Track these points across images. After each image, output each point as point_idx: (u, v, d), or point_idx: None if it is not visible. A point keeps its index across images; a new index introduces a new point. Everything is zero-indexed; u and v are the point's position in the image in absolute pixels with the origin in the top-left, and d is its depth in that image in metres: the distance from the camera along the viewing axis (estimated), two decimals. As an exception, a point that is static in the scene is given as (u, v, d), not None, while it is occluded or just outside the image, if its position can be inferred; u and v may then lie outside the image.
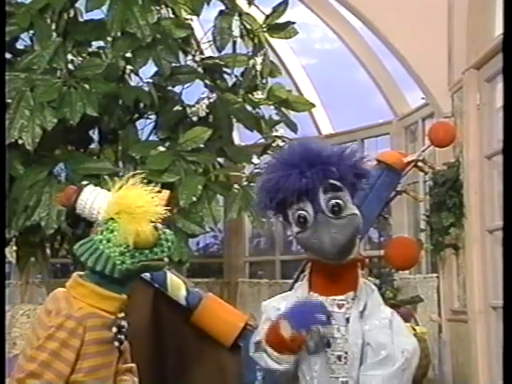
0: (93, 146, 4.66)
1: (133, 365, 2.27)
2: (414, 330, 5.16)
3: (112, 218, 2.14)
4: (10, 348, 3.77)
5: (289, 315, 1.99)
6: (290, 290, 2.93)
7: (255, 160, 4.75)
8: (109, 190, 2.69)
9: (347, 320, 2.06)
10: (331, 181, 2.03)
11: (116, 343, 2.15)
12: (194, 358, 2.65)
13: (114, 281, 2.13)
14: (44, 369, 2.04)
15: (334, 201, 2.02)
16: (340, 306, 2.08)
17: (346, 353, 2.02)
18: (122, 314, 2.19)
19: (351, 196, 2.07)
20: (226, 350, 2.65)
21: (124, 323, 2.19)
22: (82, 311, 2.09)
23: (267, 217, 2.16)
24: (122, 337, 2.17)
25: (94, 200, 2.54)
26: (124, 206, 2.12)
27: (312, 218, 2.03)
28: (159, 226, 2.16)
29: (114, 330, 2.14)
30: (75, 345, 2.06)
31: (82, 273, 2.19)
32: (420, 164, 2.87)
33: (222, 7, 4.84)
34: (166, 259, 2.22)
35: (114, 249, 2.11)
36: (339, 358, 2.03)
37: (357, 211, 2.07)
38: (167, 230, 2.19)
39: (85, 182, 2.70)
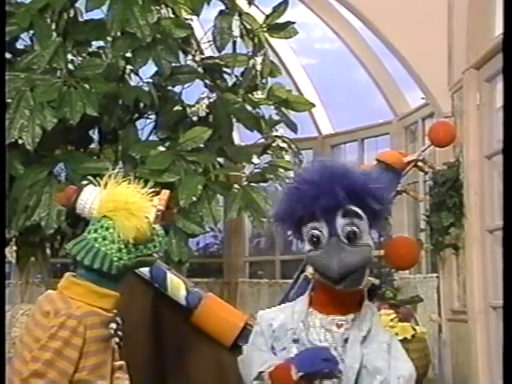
0: (93, 145, 4.66)
1: (123, 362, 2.27)
2: (414, 329, 5.17)
3: (105, 216, 2.15)
4: (9, 348, 3.76)
5: (297, 360, 1.99)
6: (289, 289, 2.94)
7: (255, 160, 4.75)
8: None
9: (345, 340, 2.05)
10: (352, 207, 2.02)
11: (116, 339, 2.17)
12: (194, 358, 2.65)
13: (110, 278, 2.15)
14: (48, 368, 2.05)
15: (350, 228, 2.02)
16: (339, 326, 2.08)
17: (341, 372, 2.02)
18: (115, 311, 2.20)
19: (370, 225, 2.07)
20: (225, 350, 2.65)
21: (118, 319, 2.20)
22: (81, 310, 2.10)
23: (281, 229, 2.15)
24: (120, 333, 2.18)
25: (94, 200, 2.54)
26: (120, 203, 2.14)
27: (325, 240, 2.03)
28: (149, 222, 2.19)
29: (114, 326, 2.15)
30: (77, 343, 2.07)
31: (73, 273, 2.20)
32: (420, 164, 2.86)
33: (222, 7, 4.84)
34: (156, 256, 2.26)
35: (110, 246, 2.13)
36: (332, 381, 2.03)
37: (371, 243, 2.07)
38: (156, 226, 2.22)
39: (85, 182, 2.70)
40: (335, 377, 2.02)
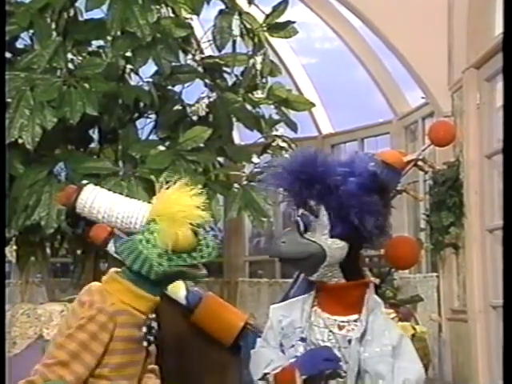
0: (93, 145, 4.66)
1: (155, 366, 2.29)
2: (414, 329, 5.17)
3: (154, 220, 2.15)
4: (9, 347, 3.77)
5: (300, 362, 2.00)
6: (289, 289, 2.93)
7: (255, 159, 4.75)
8: (109, 190, 2.70)
9: (349, 342, 2.04)
10: (311, 202, 2.07)
11: (145, 343, 2.17)
12: (194, 357, 2.65)
13: (149, 281, 2.14)
14: (72, 358, 2.06)
15: (302, 218, 2.08)
16: (340, 328, 2.07)
17: (346, 373, 2.02)
18: (153, 315, 2.20)
19: (340, 231, 2.06)
20: (225, 349, 2.65)
21: (154, 324, 2.20)
22: (114, 306, 2.11)
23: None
24: (151, 337, 2.19)
25: (93, 199, 2.54)
26: (165, 209, 2.13)
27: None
28: (201, 231, 2.17)
29: (144, 329, 2.16)
30: (104, 339, 2.08)
31: (119, 269, 2.20)
32: (420, 163, 2.86)
33: (222, 6, 4.83)
34: (205, 271, 2.22)
35: (152, 250, 2.12)
36: (336, 381, 2.03)
37: (321, 243, 2.07)
38: (208, 236, 2.21)
39: (85, 182, 2.70)
40: (339, 376, 2.01)
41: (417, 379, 2.03)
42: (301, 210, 2.08)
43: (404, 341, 2.09)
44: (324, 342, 2.06)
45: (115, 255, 2.31)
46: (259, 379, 2.08)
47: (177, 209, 2.13)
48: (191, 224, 2.13)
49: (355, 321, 2.07)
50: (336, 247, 2.08)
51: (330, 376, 2.01)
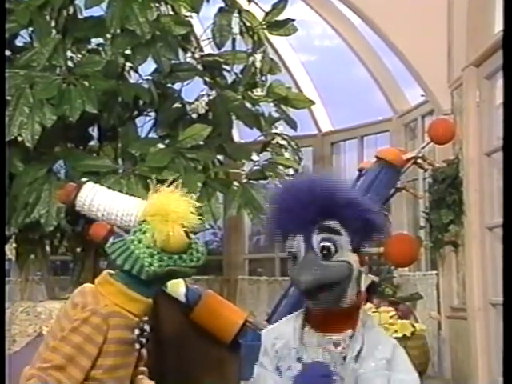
0: (92, 143, 4.65)
1: (145, 369, 2.29)
2: (414, 327, 5.18)
3: (146, 220, 2.15)
4: (9, 345, 3.77)
5: (298, 381, 1.98)
6: (289, 287, 2.94)
7: (255, 157, 4.74)
8: (108, 188, 2.70)
9: (344, 358, 2.02)
10: (329, 222, 1.99)
11: (137, 345, 2.17)
12: (194, 355, 2.65)
13: (141, 282, 2.14)
14: (68, 362, 2.06)
15: (325, 243, 1.99)
16: (336, 345, 2.04)
17: None
18: (146, 318, 2.20)
19: (356, 242, 2.03)
20: (225, 347, 2.66)
21: (146, 327, 2.20)
22: (107, 308, 2.11)
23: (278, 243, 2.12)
24: (144, 340, 2.19)
25: (93, 197, 2.54)
26: (159, 209, 2.13)
27: (302, 256, 2.00)
28: (192, 235, 2.17)
29: (137, 332, 2.16)
30: (98, 340, 2.08)
31: (112, 271, 2.21)
32: (419, 161, 2.87)
33: (222, 4, 4.83)
34: (194, 269, 2.22)
35: (143, 250, 2.12)
36: None
37: (351, 260, 2.02)
38: (199, 242, 2.20)
39: (84, 179, 2.70)
40: None
41: None
42: (322, 235, 1.99)
43: (397, 351, 2.06)
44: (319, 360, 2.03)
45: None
46: None
47: (170, 209, 2.13)
48: (184, 226, 2.13)
49: (350, 337, 2.04)
50: (356, 259, 2.05)
51: None
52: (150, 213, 2.15)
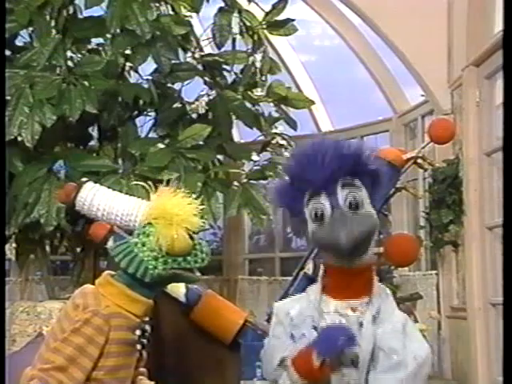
0: (92, 143, 4.66)
1: (145, 369, 2.30)
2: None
3: (150, 223, 2.15)
4: (9, 345, 3.77)
5: (317, 344, 1.96)
6: (289, 287, 2.94)
7: (255, 157, 4.75)
8: (108, 187, 2.70)
9: (361, 324, 2.03)
10: (350, 178, 2.03)
11: (138, 346, 2.17)
12: (194, 355, 2.65)
13: (143, 284, 2.15)
14: (69, 363, 2.06)
15: (351, 197, 2.01)
16: (354, 310, 2.05)
17: (358, 357, 1.99)
18: (147, 319, 2.20)
19: (369, 195, 2.06)
20: (225, 347, 2.66)
21: (147, 327, 2.20)
22: (108, 309, 2.11)
23: (285, 210, 2.13)
24: (145, 341, 2.19)
25: (93, 197, 2.54)
26: (162, 212, 2.13)
27: (329, 214, 2.01)
28: (195, 236, 2.18)
29: (138, 332, 2.16)
30: (100, 341, 2.08)
31: (113, 272, 2.21)
32: (419, 161, 2.86)
33: (222, 4, 4.83)
34: (199, 274, 2.24)
35: (147, 253, 2.12)
36: (352, 361, 2.00)
37: (374, 212, 2.06)
38: (203, 242, 2.22)
39: (84, 179, 2.70)
40: (356, 356, 1.98)
41: (426, 355, 2.04)
42: (346, 190, 2.01)
43: (410, 322, 2.10)
44: None
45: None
46: (277, 365, 2.05)
47: (174, 212, 2.13)
48: (187, 228, 2.14)
49: (367, 303, 2.06)
50: (376, 215, 2.08)
51: (348, 355, 1.97)
52: (153, 216, 2.15)
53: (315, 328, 2.04)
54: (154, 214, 2.15)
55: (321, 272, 2.16)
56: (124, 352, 2.13)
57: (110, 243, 2.55)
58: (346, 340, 1.95)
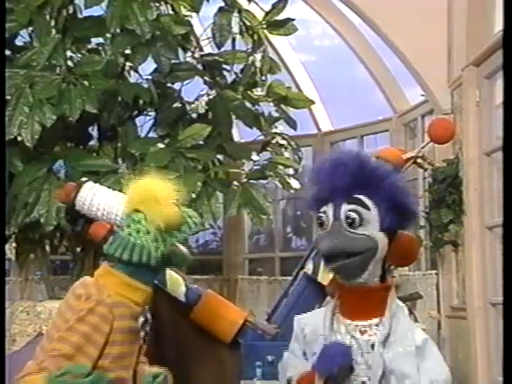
0: (92, 142, 4.66)
1: (144, 358, 2.33)
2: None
3: (136, 210, 2.17)
4: (9, 345, 3.77)
5: (317, 364, 1.99)
6: (289, 286, 2.94)
7: (255, 157, 4.75)
8: (108, 187, 2.70)
9: (372, 346, 2.03)
10: (359, 195, 2.05)
11: (142, 333, 2.19)
12: (194, 354, 2.66)
13: (147, 270, 2.17)
14: (76, 351, 2.07)
15: (351, 213, 2.04)
16: (362, 332, 2.06)
17: (369, 378, 2.00)
18: (147, 307, 2.22)
19: (388, 223, 2.07)
20: (225, 347, 2.66)
21: (148, 315, 2.22)
22: (111, 298, 2.13)
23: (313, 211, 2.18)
24: (148, 328, 2.21)
25: (93, 196, 2.54)
26: (146, 194, 2.17)
27: (330, 224, 2.07)
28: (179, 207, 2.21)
29: (142, 319, 2.18)
30: (105, 330, 2.10)
31: (111, 263, 2.22)
32: (419, 161, 2.87)
33: (222, 4, 4.83)
34: (190, 256, 2.28)
35: (145, 237, 2.15)
36: (363, 383, 2.02)
37: (376, 237, 2.06)
38: (187, 209, 2.25)
39: (84, 179, 2.70)
40: (352, 369, 1.99)
41: (445, 381, 2.01)
42: (350, 206, 2.04)
43: (429, 342, 2.07)
44: None
45: None
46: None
47: (158, 190, 2.17)
48: (173, 202, 2.17)
49: (376, 325, 2.05)
50: (384, 240, 2.08)
51: (345, 370, 1.99)
52: (136, 202, 2.17)
53: None
54: (136, 200, 2.17)
55: (323, 278, 2.18)
56: (128, 340, 2.15)
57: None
58: (341, 357, 1.96)
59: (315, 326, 2.11)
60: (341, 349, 1.99)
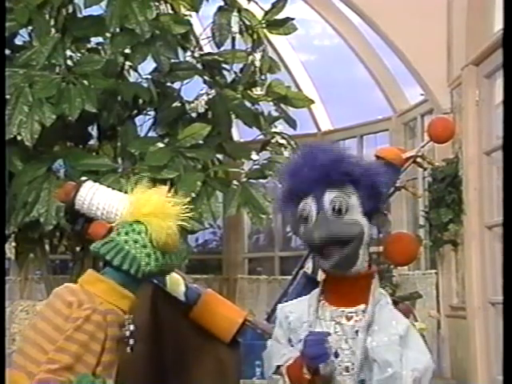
0: (92, 142, 4.66)
1: None
2: (413, 325, 5.17)
3: (137, 221, 2.17)
4: (9, 344, 3.77)
5: (305, 354, 1.98)
6: (288, 286, 2.94)
7: (254, 156, 4.74)
8: (108, 186, 2.70)
9: (356, 332, 2.04)
10: (339, 183, 2.04)
11: (131, 341, 2.18)
12: (194, 354, 2.65)
13: (134, 280, 2.18)
14: (75, 361, 2.06)
15: (337, 202, 2.03)
16: (348, 318, 2.06)
17: (353, 364, 2.01)
18: (131, 316, 2.21)
19: (367, 206, 2.07)
20: (225, 346, 2.66)
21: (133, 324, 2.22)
22: (103, 306, 2.13)
23: (286, 212, 2.16)
24: (136, 337, 2.21)
25: (92, 196, 2.54)
26: (156, 208, 2.16)
27: (314, 216, 2.05)
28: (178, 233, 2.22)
29: (132, 328, 2.17)
30: (101, 337, 2.10)
31: (95, 271, 2.22)
32: (419, 160, 2.86)
33: (221, 3, 4.83)
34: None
35: (140, 250, 2.15)
36: (346, 369, 2.02)
37: (361, 222, 2.06)
38: (180, 241, 2.26)
39: (84, 178, 2.69)
40: (335, 355, 2.00)
41: (426, 368, 2.03)
42: (333, 194, 2.04)
43: (412, 331, 2.09)
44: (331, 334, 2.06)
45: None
46: (273, 373, 2.08)
47: (166, 209, 2.17)
48: (179, 226, 2.18)
49: (363, 311, 2.06)
50: (367, 225, 2.08)
51: (330, 356, 1.99)
52: (143, 213, 2.16)
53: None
54: (143, 211, 2.17)
55: (322, 276, 2.17)
56: (116, 348, 2.15)
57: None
58: (326, 344, 1.96)
59: (299, 313, 2.11)
60: (318, 337, 1.99)
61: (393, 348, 2.01)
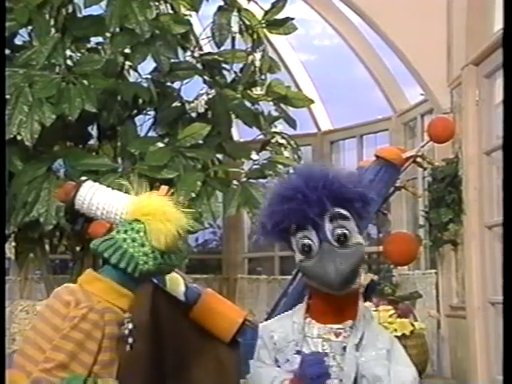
0: (91, 142, 4.66)
1: None
2: (413, 325, 5.18)
3: (137, 220, 2.17)
4: (8, 344, 3.77)
5: (301, 375, 1.96)
6: (288, 285, 2.93)
7: (254, 156, 4.74)
8: (108, 186, 2.70)
9: (344, 349, 2.03)
10: (337, 209, 2.00)
11: (130, 339, 2.18)
12: (193, 354, 2.65)
13: (132, 279, 2.17)
14: (71, 359, 2.06)
15: (339, 230, 2.00)
16: (337, 335, 2.05)
17: (341, 381, 2.00)
18: (129, 314, 2.22)
19: (357, 225, 2.05)
20: (224, 346, 2.66)
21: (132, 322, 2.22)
22: (101, 305, 2.13)
23: (270, 242, 2.15)
24: (134, 335, 2.21)
25: (92, 195, 2.54)
26: (157, 208, 2.16)
27: (317, 247, 2.00)
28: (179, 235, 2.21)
29: (131, 326, 2.18)
30: (98, 336, 2.09)
31: (93, 271, 2.22)
32: (419, 160, 2.86)
33: (221, 3, 4.83)
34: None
35: (138, 249, 2.15)
36: None
37: (362, 240, 2.06)
38: (180, 241, 2.25)
39: (83, 178, 2.69)
40: (329, 376, 1.98)
41: (412, 381, 2.03)
42: (334, 223, 1.99)
43: (396, 344, 2.08)
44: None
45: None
46: None
47: (166, 209, 2.16)
48: (177, 226, 2.17)
49: (351, 327, 2.05)
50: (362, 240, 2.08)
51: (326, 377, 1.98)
52: (143, 212, 2.17)
53: (298, 352, 2.04)
54: (144, 210, 2.17)
55: (307, 293, 2.15)
56: (115, 347, 2.15)
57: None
58: (318, 366, 1.95)
59: (284, 331, 2.08)
60: (318, 359, 1.97)
61: (381, 363, 2.01)
